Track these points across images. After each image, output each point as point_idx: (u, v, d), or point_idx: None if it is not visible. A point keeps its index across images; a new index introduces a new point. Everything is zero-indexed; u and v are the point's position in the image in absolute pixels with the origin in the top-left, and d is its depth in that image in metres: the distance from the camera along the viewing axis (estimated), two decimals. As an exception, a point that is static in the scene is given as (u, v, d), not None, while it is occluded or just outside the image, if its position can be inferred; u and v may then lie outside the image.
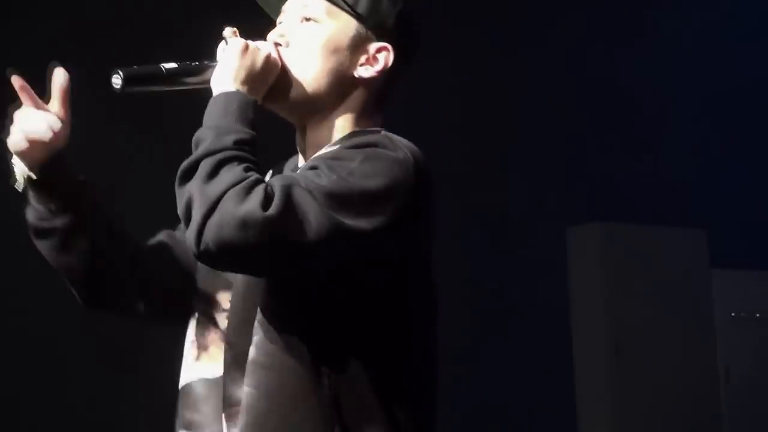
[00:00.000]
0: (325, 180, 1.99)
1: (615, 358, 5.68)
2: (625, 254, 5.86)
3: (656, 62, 6.24)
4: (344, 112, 2.22)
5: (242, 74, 2.13)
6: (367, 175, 2.02)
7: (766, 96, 6.57)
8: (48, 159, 2.18)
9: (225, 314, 2.18)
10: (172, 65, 2.17)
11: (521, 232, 5.71)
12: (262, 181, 1.98)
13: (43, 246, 2.25)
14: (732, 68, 6.48)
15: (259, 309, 2.09)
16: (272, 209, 1.93)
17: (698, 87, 6.34)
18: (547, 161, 5.83)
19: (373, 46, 2.22)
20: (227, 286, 2.19)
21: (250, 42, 2.17)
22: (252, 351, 2.07)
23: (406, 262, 2.10)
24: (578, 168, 5.94)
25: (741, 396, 6.02)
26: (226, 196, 1.94)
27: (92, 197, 2.24)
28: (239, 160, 2.01)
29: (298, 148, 2.24)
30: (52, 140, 2.15)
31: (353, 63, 2.21)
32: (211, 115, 2.08)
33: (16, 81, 2.15)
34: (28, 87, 2.16)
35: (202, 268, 2.24)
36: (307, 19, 2.22)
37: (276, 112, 2.20)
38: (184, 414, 2.17)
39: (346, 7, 2.21)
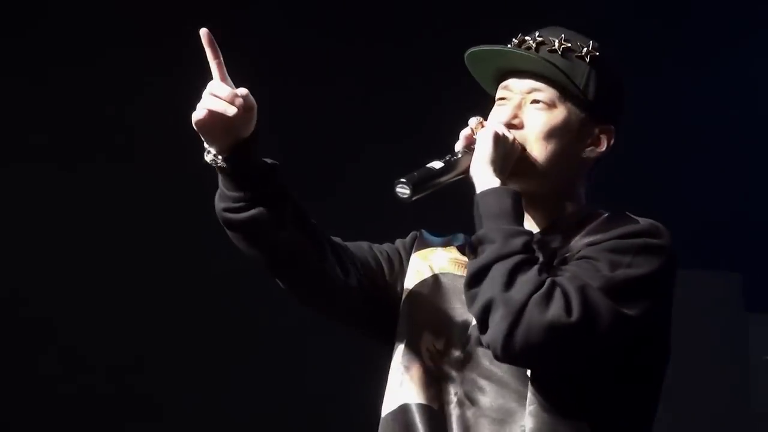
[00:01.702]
0: (609, 274, 2.18)
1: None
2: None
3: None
4: (566, 186, 2.38)
5: (499, 163, 2.28)
6: (642, 266, 2.21)
7: None
8: (233, 146, 2.18)
9: (427, 351, 2.33)
10: (438, 163, 2.28)
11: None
12: (555, 283, 2.15)
13: (233, 237, 2.28)
14: None
15: (530, 381, 2.23)
16: (575, 315, 2.12)
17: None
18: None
19: (598, 129, 2.38)
20: (438, 324, 2.34)
21: (496, 128, 2.30)
22: (529, 421, 2.22)
23: (663, 336, 2.32)
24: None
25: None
26: (529, 305, 2.11)
27: (280, 184, 2.27)
28: (530, 263, 2.16)
29: (526, 213, 2.36)
30: (236, 117, 2.14)
31: (580, 145, 2.37)
32: (489, 214, 2.22)
33: (205, 35, 2.16)
34: (214, 42, 2.18)
35: (423, 301, 2.37)
36: (537, 101, 2.35)
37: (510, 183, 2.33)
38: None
39: (580, 95, 2.34)
